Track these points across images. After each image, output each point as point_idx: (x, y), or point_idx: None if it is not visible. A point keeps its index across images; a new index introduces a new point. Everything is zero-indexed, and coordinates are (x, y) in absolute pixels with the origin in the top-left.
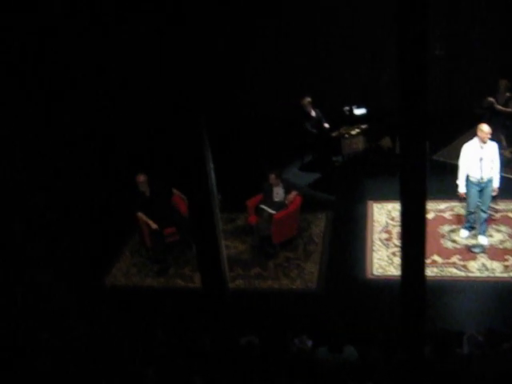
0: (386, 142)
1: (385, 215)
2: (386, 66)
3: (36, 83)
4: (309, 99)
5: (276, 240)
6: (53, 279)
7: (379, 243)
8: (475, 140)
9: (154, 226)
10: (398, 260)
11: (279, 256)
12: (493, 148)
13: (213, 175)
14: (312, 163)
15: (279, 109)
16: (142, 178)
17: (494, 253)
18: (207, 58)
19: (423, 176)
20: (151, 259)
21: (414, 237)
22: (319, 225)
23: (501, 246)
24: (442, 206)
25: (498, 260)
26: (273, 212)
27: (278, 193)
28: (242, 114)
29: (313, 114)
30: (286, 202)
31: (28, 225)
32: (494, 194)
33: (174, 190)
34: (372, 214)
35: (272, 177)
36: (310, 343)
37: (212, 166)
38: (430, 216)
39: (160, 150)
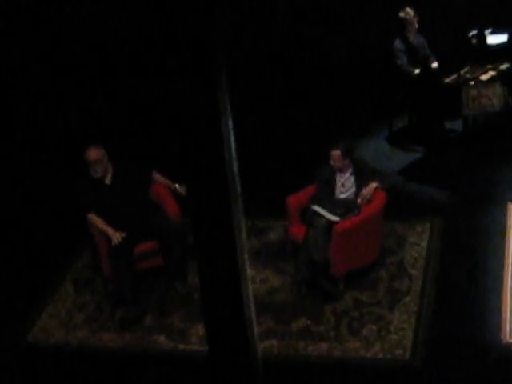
0: None
1: None
2: None
3: None
4: (411, 12)
5: (338, 269)
6: None
7: None
8: None
9: (116, 238)
10: None
11: (344, 298)
12: None
13: (233, 147)
14: (408, 132)
15: (351, 35)
16: (94, 153)
17: None
18: None
19: None
20: (111, 299)
21: None
22: (418, 244)
23: None
24: None
25: None
26: (334, 219)
27: (345, 184)
28: (288, 45)
29: (414, 40)
30: (359, 200)
31: None
32: None
33: (156, 175)
34: None
35: (335, 155)
36: None
37: (231, 127)
38: None
39: (128, 101)
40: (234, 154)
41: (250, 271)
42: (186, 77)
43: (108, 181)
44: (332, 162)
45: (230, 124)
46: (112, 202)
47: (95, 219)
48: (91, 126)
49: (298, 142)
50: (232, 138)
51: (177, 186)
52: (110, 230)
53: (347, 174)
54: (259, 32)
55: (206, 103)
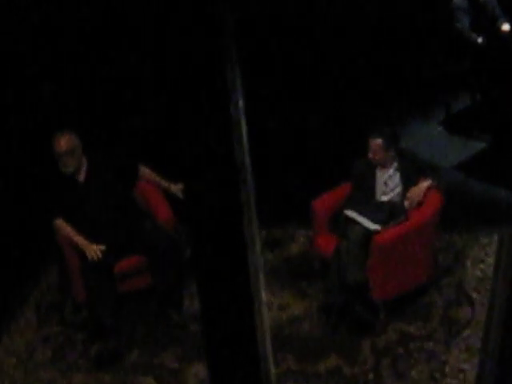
0: None
1: None
2: None
3: None
4: None
5: (379, 293)
6: None
7: None
8: None
9: (92, 251)
10: None
11: (386, 331)
12: None
13: (245, 134)
14: (471, 116)
15: None
16: (65, 142)
17: None
18: None
19: None
20: (85, 329)
21: None
22: (483, 260)
23: None
24: None
25: None
26: (374, 227)
27: (389, 183)
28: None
29: None
30: (407, 204)
31: None
32: None
33: (144, 170)
34: None
35: (376, 144)
36: None
37: (243, 108)
38: None
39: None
40: (246, 144)
41: (265, 295)
42: (184, 40)
43: (81, 178)
44: (371, 155)
45: (242, 105)
46: (86, 205)
47: (64, 227)
48: (58, 107)
49: (328, 130)
50: (243, 123)
51: (171, 184)
52: (83, 242)
53: (391, 170)
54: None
55: (210, 76)
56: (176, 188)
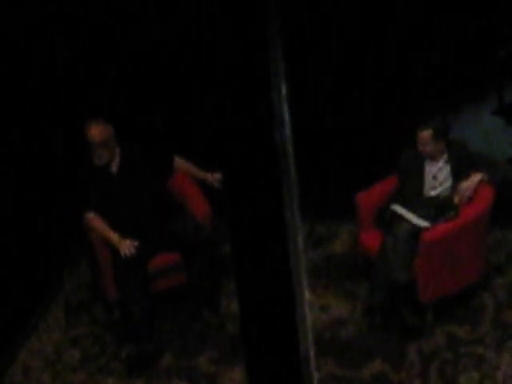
0: None
1: None
2: None
3: None
4: None
5: (427, 294)
6: None
7: None
8: None
9: (125, 247)
10: None
11: (434, 334)
12: None
13: (287, 123)
14: None
15: None
16: (99, 132)
17: None
18: None
19: None
20: (117, 330)
21: None
22: None
23: None
24: None
25: None
26: (422, 224)
27: (438, 176)
28: None
29: None
30: (457, 198)
31: None
32: None
33: (179, 161)
34: None
35: (425, 136)
36: None
37: (285, 96)
38: None
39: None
40: (287, 132)
41: (306, 295)
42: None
43: (114, 170)
44: (420, 147)
45: (284, 91)
46: (119, 199)
47: (96, 221)
48: (88, 93)
49: (373, 121)
50: (286, 110)
51: (208, 175)
52: (116, 237)
53: (441, 163)
54: None
55: (251, 60)
56: (213, 178)
